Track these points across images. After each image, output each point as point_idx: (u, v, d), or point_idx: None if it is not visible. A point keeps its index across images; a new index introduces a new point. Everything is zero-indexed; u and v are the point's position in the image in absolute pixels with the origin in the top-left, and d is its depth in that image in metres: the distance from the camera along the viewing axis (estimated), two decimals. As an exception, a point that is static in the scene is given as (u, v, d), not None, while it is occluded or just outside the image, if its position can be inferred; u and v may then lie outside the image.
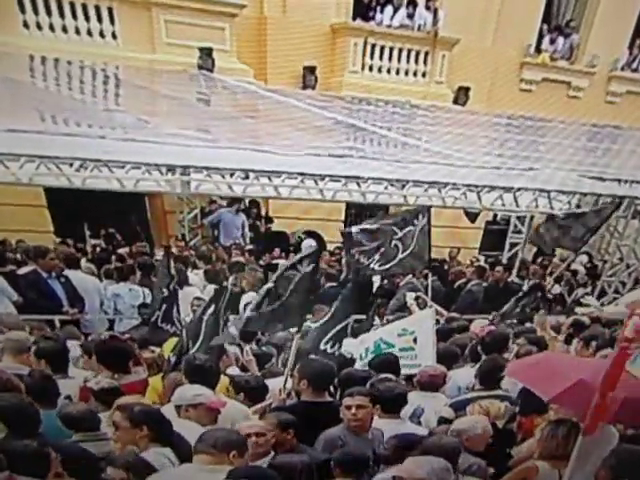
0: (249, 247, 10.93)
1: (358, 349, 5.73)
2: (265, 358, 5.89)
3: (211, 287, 8.08)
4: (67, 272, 7.57)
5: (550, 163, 9.43)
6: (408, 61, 14.21)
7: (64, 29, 10.98)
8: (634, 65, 16.69)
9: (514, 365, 4.54)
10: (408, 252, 6.01)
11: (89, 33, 11.17)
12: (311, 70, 13.32)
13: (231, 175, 7.00)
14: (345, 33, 13.51)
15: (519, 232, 11.81)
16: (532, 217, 10.90)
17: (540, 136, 12.49)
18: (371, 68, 13.99)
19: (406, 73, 14.30)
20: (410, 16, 13.93)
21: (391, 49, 13.98)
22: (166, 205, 12.38)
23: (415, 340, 5.48)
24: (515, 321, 7.37)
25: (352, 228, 6.06)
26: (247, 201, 12.11)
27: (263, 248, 11.24)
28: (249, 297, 7.30)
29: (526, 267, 10.43)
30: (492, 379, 4.77)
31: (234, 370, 5.26)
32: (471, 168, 8.38)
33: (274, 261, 10.22)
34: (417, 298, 7.36)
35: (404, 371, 5.25)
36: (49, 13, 10.81)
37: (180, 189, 7.38)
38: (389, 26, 13.86)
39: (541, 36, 15.82)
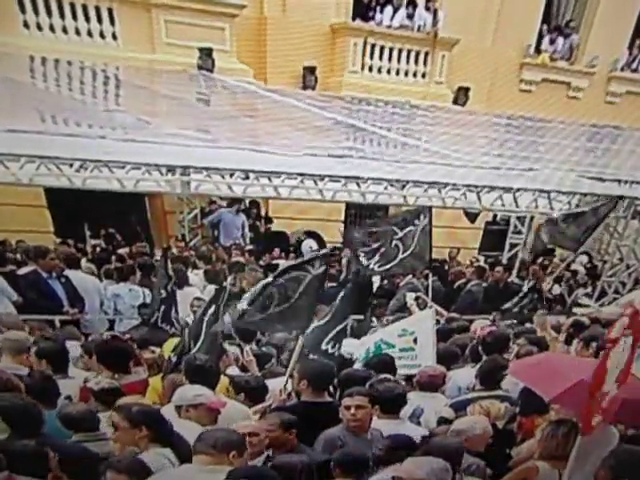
0: (249, 247, 10.93)
1: (358, 350, 5.74)
2: (265, 358, 5.89)
3: (211, 287, 8.08)
4: (67, 272, 7.57)
5: (550, 163, 9.44)
6: (408, 61, 14.22)
7: (64, 30, 10.98)
8: (634, 65, 16.69)
9: (515, 365, 4.55)
10: (409, 252, 6.01)
11: (89, 34, 11.18)
12: (311, 70, 13.32)
13: (231, 175, 7.01)
14: (345, 33, 13.51)
15: (519, 232, 11.81)
16: (532, 217, 10.91)
17: (540, 136, 12.49)
18: (371, 68, 14.00)
19: (406, 73, 14.30)
20: (410, 16, 13.94)
21: (391, 49, 13.98)
22: (166, 205, 12.38)
23: (415, 340, 5.48)
24: (515, 321, 7.37)
25: (353, 230, 6.06)
26: (247, 201, 12.11)
27: (263, 248, 11.24)
28: (249, 297, 7.30)
29: (526, 267, 10.43)
30: (492, 379, 4.77)
31: (234, 370, 5.26)
32: (471, 168, 8.38)
33: (274, 261, 10.23)
34: (417, 298, 7.37)
35: (404, 371, 5.26)
36: (49, 14, 10.81)
37: (180, 189, 7.38)
38: (389, 26, 13.86)
39: (541, 36, 15.82)
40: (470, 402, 4.55)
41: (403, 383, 4.95)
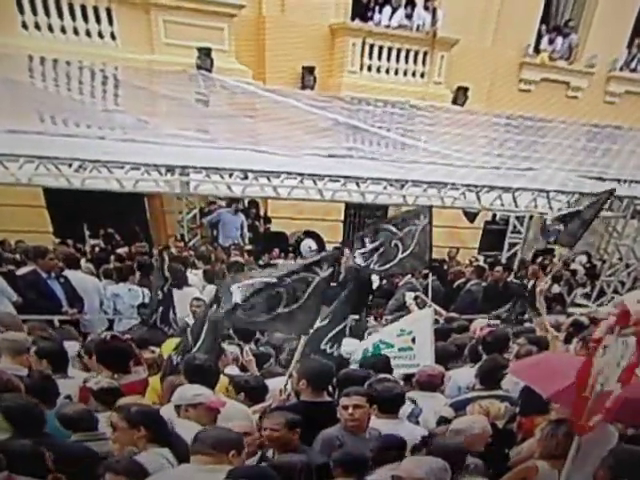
0: (248, 247, 10.93)
1: (357, 350, 5.74)
2: (263, 358, 5.89)
3: (210, 287, 8.08)
4: (67, 272, 7.58)
5: (549, 163, 9.46)
6: (407, 61, 14.21)
7: (63, 30, 10.97)
8: (633, 65, 16.70)
9: (515, 365, 4.56)
10: (408, 252, 5.99)
11: (88, 34, 11.17)
12: (310, 70, 13.32)
13: (230, 175, 7.01)
14: (344, 33, 13.51)
15: (518, 232, 11.83)
16: (531, 217, 10.92)
17: (539, 136, 12.51)
18: (370, 68, 13.99)
19: (405, 73, 14.30)
20: (409, 16, 13.93)
21: (390, 49, 13.98)
22: (165, 205, 12.38)
23: (413, 340, 5.48)
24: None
25: (352, 230, 6.05)
26: (246, 201, 12.12)
27: (262, 248, 11.25)
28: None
29: (525, 267, 10.44)
30: (492, 379, 4.77)
31: (233, 370, 5.26)
32: (470, 168, 8.39)
33: (273, 261, 10.23)
34: (416, 298, 7.37)
35: (403, 371, 5.26)
36: (48, 14, 10.79)
37: (179, 189, 7.39)
38: (387, 26, 13.86)
39: (540, 36, 15.83)
40: (470, 401, 4.55)
41: (402, 383, 4.95)
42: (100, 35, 11.25)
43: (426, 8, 14.03)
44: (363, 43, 13.68)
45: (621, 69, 16.56)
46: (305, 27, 13.10)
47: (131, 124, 8.08)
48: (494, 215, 13.57)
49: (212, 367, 4.39)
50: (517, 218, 11.74)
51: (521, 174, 8.60)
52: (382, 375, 4.69)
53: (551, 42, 15.87)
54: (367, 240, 5.78)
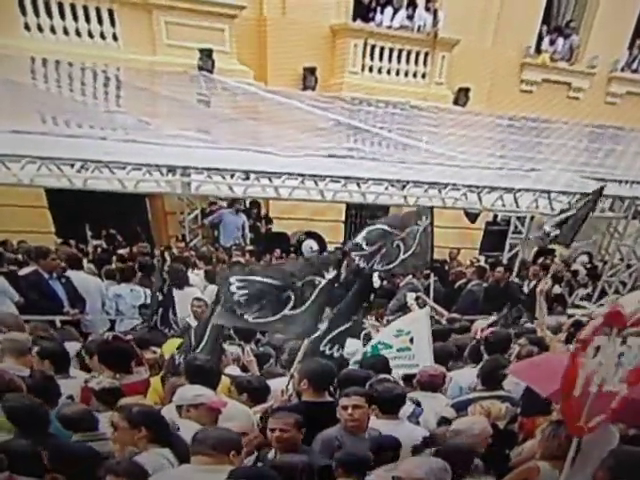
0: (250, 248, 10.94)
1: (358, 351, 5.73)
2: (264, 359, 5.90)
3: (212, 287, 8.09)
4: (69, 272, 7.59)
5: (551, 164, 9.45)
6: (408, 62, 14.22)
7: (65, 31, 11.00)
8: (634, 66, 16.70)
9: (516, 365, 4.56)
10: (410, 253, 5.99)
11: (90, 35, 11.20)
12: (311, 71, 13.34)
13: (231, 176, 7.03)
14: (345, 34, 13.51)
15: (519, 233, 11.83)
16: (532, 218, 10.92)
17: (541, 137, 12.51)
18: (371, 69, 14.00)
19: (406, 74, 14.30)
20: (410, 17, 13.94)
21: (391, 50, 13.99)
22: (167, 206, 12.40)
23: (411, 340, 5.48)
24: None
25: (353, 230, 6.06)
26: (247, 201, 12.13)
27: (264, 249, 11.25)
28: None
29: (526, 267, 10.44)
30: (494, 379, 4.76)
31: (235, 370, 5.27)
32: (472, 169, 8.40)
33: (274, 262, 10.23)
34: (417, 298, 7.37)
35: (402, 371, 5.25)
36: (50, 15, 10.83)
37: (181, 190, 7.41)
38: (389, 27, 13.87)
39: (541, 37, 15.83)
40: (471, 402, 4.55)
41: (401, 383, 4.95)
42: (102, 36, 11.27)
43: (427, 9, 14.05)
44: (364, 44, 13.69)
45: (622, 70, 16.55)
46: (306, 28, 13.11)
47: (133, 125, 8.10)
48: (495, 216, 13.58)
49: (213, 368, 4.40)
50: (518, 219, 11.74)
51: (522, 175, 8.60)
52: (383, 375, 4.68)
53: (552, 43, 15.87)
54: (364, 243, 5.78)
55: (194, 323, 6.27)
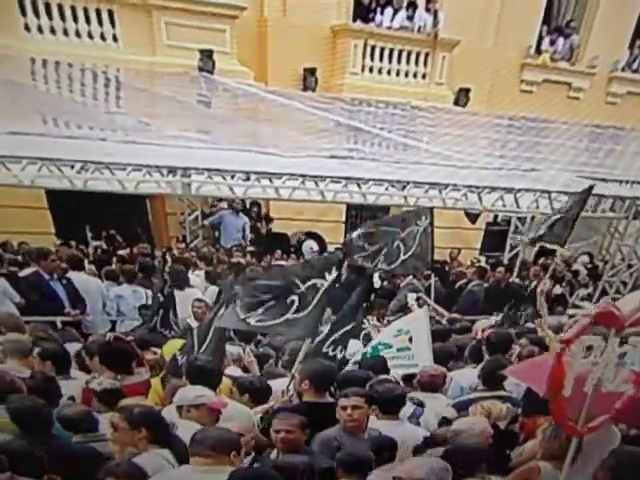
0: (250, 248, 10.94)
1: (359, 352, 5.73)
2: (263, 359, 5.90)
3: (212, 288, 8.09)
4: (70, 273, 7.60)
5: (551, 164, 9.46)
6: (408, 63, 14.22)
7: (65, 32, 11.00)
8: (634, 66, 16.70)
9: (515, 366, 4.56)
10: (410, 253, 5.99)
11: (90, 36, 11.20)
12: (311, 72, 13.34)
13: (232, 177, 7.03)
14: (345, 35, 13.52)
15: (520, 233, 11.82)
16: (533, 218, 10.91)
17: (541, 137, 12.50)
18: (371, 70, 14.00)
19: (406, 75, 14.31)
20: (410, 18, 13.95)
21: (391, 51, 14.00)
22: (167, 207, 12.39)
23: (410, 339, 5.48)
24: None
25: (352, 233, 6.05)
26: (248, 202, 12.12)
27: (264, 249, 11.25)
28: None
29: (527, 268, 10.43)
30: (495, 380, 4.76)
31: (236, 371, 5.27)
32: (472, 169, 8.40)
33: (275, 262, 10.23)
34: (418, 299, 7.38)
35: (402, 371, 5.25)
36: (50, 16, 10.83)
37: (181, 191, 7.42)
38: (389, 28, 13.88)
39: (541, 37, 15.83)
40: (472, 402, 4.54)
41: (401, 383, 4.94)
42: (102, 37, 11.27)
43: (427, 10, 14.06)
44: (365, 44, 13.69)
45: (623, 70, 16.55)
46: (307, 28, 13.11)
47: (133, 126, 8.10)
48: (496, 216, 13.57)
49: (215, 368, 4.40)
50: (519, 219, 11.73)
51: (523, 175, 8.61)
52: (383, 376, 4.68)
53: (552, 43, 15.88)
54: (366, 244, 5.78)
55: (194, 324, 6.29)
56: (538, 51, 15.81)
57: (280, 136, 8.78)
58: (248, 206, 12.35)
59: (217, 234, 11.92)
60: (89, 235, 10.92)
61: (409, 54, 14.16)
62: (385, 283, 9.11)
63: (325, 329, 5.92)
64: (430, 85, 14.48)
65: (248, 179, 7.15)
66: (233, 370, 5.24)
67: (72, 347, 5.40)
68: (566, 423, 3.13)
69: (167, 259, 8.15)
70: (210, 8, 11.65)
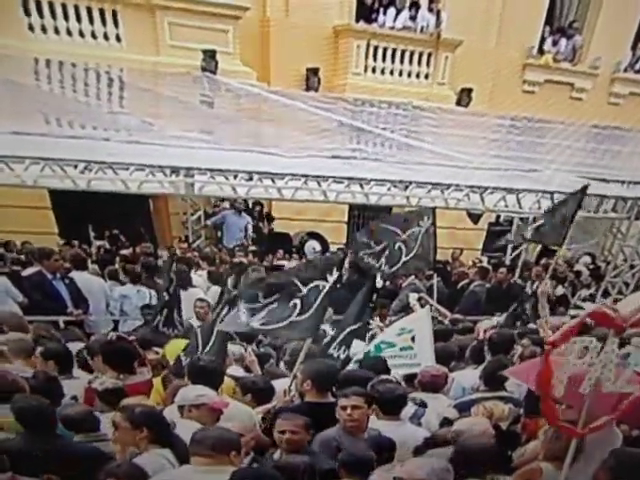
0: (252, 248, 10.95)
1: (361, 351, 5.74)
2: (264, 358, 5.91)
3: (215, 288, 8.10)
4: (73, 273, 7.61)
5: (553, 164, 9.44)
6: (411, 63, 14.23)
7: (68, 32, 11.03)
8: (637, 67, 16.67)
9: (516, 367, 4.56)
10: (412, 255, 6.00)
11: (93, 36, 11.23)
12: (314, 72, 13.35)
13: (235, 177, 7.04)
14: (348, 35, 13.53)
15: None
16: (535, 218, 10.89)
17: (544, 138, 12.49)
18: (374, 70, 14.01)
19: (409, 75, 14.32)
20: (413, 18, 13.95)
21: (394, 51, 14.00)
22: (170, 207, 12.41)
23: (413, 339, 5.48)
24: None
25: (357, 232, 6.06)
26: (250, 201, 12.13)
27: (266, 249, 11.26)
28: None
29: (529, 268, 10.43)
30: (497, 380, 4.76)
31: (237, 370, 5.27)
32: (474, 169, 8.39)
33: (277, 262, 10.25)
34: (420, 299, 7.38)
35: (404, 370, 5.25)
36: (54, 16, 10.86)
37: (184, 191, 7.42)
38: (392, 28, 13.88)
39: (544, 38, 15.81)
40: (474, 403, 4.54)
41: (403, 384, 4.95)
42: (105, 37, 11.30)
43: (430, 10, 14.05)
44: (367, 45, 13.70)
45: (625, 70, 16.53)
46: (309, 29, 13.12)
47: (136, 126, 8.11)
48: (498, 216, 13.55)
49: (216, 368, 4.40)
50: (521, 219, 11.71)
51: (525, 175, 8.60)
52: (384, 376, 4.69)
53: (555, 43, 15.86)
54: (372, 242, 5.79)
55: (196, 324, 6.30)
56: (540, 52, 15.80)
57: (283, 136, 8.79)
58: (251, 206, 12.37)
59: (220, 234, 11.93)
60: (92, 235, 10.94)
61: (412, 54, 14.16)
62: (387, 283, 9.11)
63: (328, 329, 5.95)
64: (432, 85, 14.48)
65: (251, 179, 7.16)
66: (235, 370, 5.24)
67: (75, 346, 5.42)
68: (559, 424, 3.14)
69: (175, 258, 8.18)
70: (213, 8, 11.67)
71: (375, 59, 13.93)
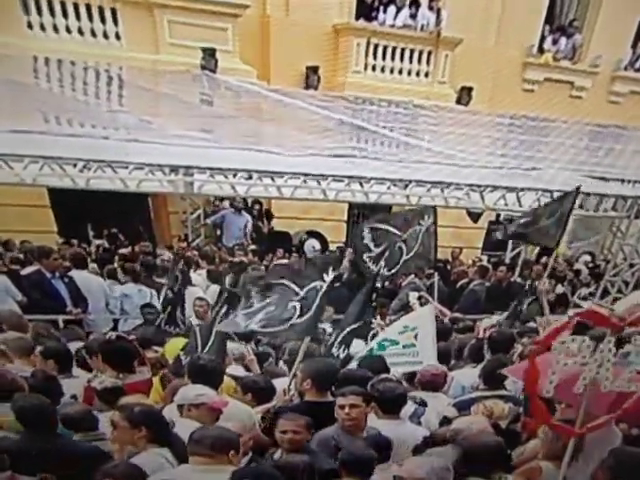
0: (252, 247, 10.94)
1: (363, 350, 5.73)
2: (263, 358, 5.91)
3: (214, 287, 8.10)
4: (72, 272, 7.61)
5: (553, 163, 9.45)
6: (411, 61, 14.21)
7: (68, 30, 11.01)
8: (637, 65, 16.66)
9: (514, 365, 4.56)
10: (412, 254, 5.99)
11: (93, 34, 11.20)
12: (314, 70, 13.33)
13: (234, 175, 7.03)
14: (348, 33, 13.51)
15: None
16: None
17: (543, 136, 12.49)
18: (374, 68, 13.99)
19: (409, 73, 14.30)
20: (413, 16, 13.93)
21: (394, 49, 13.98)
22: (169, 205, 12.40)
23: (416, 337, 5.46)
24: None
25: (356, 234, 6.04)
26: (250, 200, 12.13)
27: (266, 248, 11.26)
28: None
29: (529, 267, 10.42)
30: (496, 379, 4.76)
31: (238, 370, 5.27)
32: (474, 168, 8.40)
33: (276, 261, 10.23)
34: (420, 298, 7.37)
35: (407, 368, 5.25)
36: (53, 14, 10.83)
37: (183, 189, 7.42)
38: (392, 26, 13.86)
39: (544, 36, 15.80)
40: (474, 401, 4.55)
41: (404, 383, 4.94)
42: (105, 35, 11.28)
43: (430, 8, 14.03)
44: (367, 43, 13.68)
45: (625, 69, 16.52)
46: (309, 27, 13.11)
47: (135, 124, 8.10)
48: (498, 215, 13.55)
49: (216, 367, 4.40)
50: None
51: (525, 174, 8.60)
52: (384, 375, 4.68)
53: (555, 42, 15.85)
54: (372, 244, 5.78)
55: (195, 322, 6.30)
56: (540, 50, 15.78)
57: (282, 135, 8.78)
58: (250, 205, 12.36)
59: (219, 233, 11.92)
60: (91, 234, 10.93)
61: (412, 52, 14.14)
62: (386, 282, 9.10)
63: (327, 327, 5.94)
64: (432, 84, 14.47)
65: (250, 178, 7.15)
66: (235, 369, 5.24)
67: (76, 346, 5.42)
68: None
69: (181, 256, 8.21)
70: (213, 6, 11.64)
71: (375, 57, 13.91)
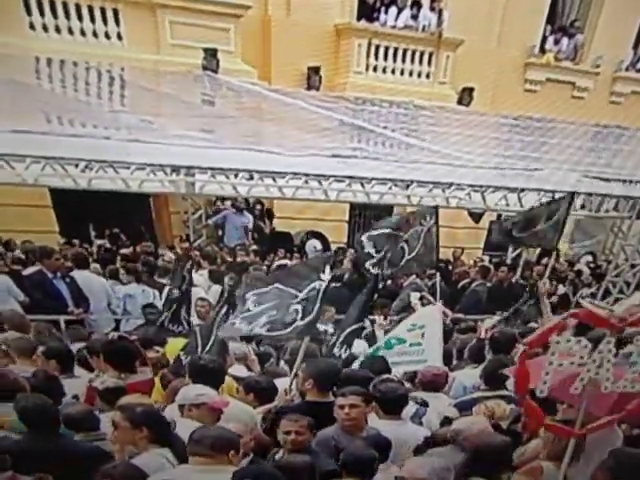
0: (254, 247, 10.94)
1: (365, 350, 5.74)
2: (264, 357, 5.91)
3: (216, 288, 8.10)
4: (74, 272, 7.61)
5: (555, 163, 9.43)
6: (412, 62, 14.21)
7: (70, 30, 11.03)
8: (639, 66, 16.65)
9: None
10: (414, 254, 5.99)
11: (95, 34, 11.22)
12: (315, 70, 13.33)
13: (235, 176, 7.04)
14: (349, 34, 13.52)
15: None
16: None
17: (545, 137, 12.47)
18: (375, 69, 14.00)
19: (410, 74, 14.30)
20: (414, 17, 13.93)
21: (395, 50, 13.99)
22: (171, 205, 12.41)
23: (423, 335, 5.46)
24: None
25: (361, 238, 6.03)
26: (251, 200, 12.13)
27: (267, 249, 11.26)
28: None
29: (530, 267, 10.42)
30: (497, 379, 4.76)
31: (240, 370, 5.27)
32: (475, 168, 8.39)
33: (278, 261, 10.24)
34: (421, 298, 7.36)
35: (412, 367, 5.25)
36: (55, 15, 10.85)
37: (185, 190, 7.44)
38: (393, 27, 13.86)
39: (545, 37, 15.79)
40: (475, 402, 4.54)
41: (407, 383, 4.94)
42: (107, 36, 11.30)
43: (432, 9, 14.02)
44: (369, 43, 13.69)
45: (627, 69, 16.51)
46: (311, 27, 13.11)
47: (137, 124, 8.11)
48: (499, 215, 13.53)
49: (217, 367, 4.40)
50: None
51: (526, 174, 8.59)
52: (386, 375, 4.68)
53: (557, 42, 15.84)
54: (373, 250, 5.80)
55: (196, 322, 6.31)
56: (542, 50, 15.77)
57: (283, 135, 8.78)
58: (251, 205, 12.36)
59: (221, 233, 11.93)
60: (93, 234, 10.94)
61: (413, 53, 14.15)
62: (388, 283, 9.10)
63: (329, 328, 5.94)
64: (434, 84, 14.47)
65: (251, 178, 7.16)
66: (238, 369, 5.24)
67: (79, 346, 5.43)
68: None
69: (190, 256, 8.23)
70: (214, 7, 11.66)
71: (376, 58, 13.92)
